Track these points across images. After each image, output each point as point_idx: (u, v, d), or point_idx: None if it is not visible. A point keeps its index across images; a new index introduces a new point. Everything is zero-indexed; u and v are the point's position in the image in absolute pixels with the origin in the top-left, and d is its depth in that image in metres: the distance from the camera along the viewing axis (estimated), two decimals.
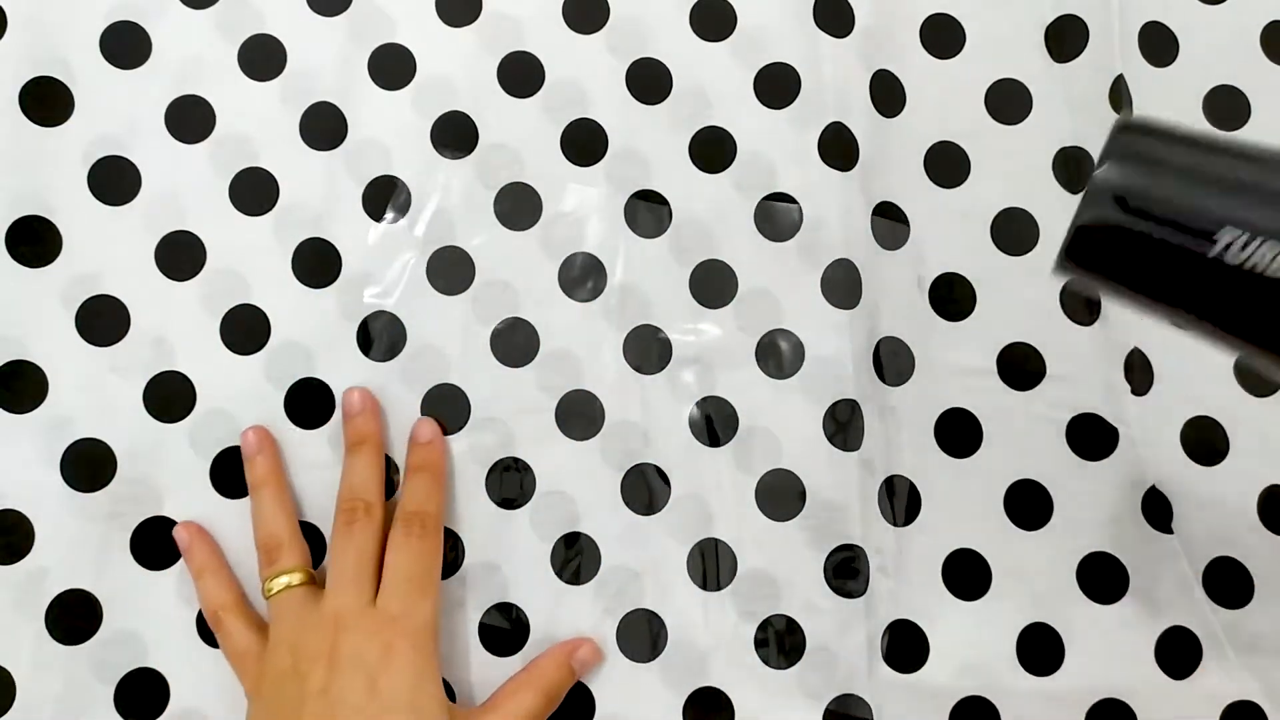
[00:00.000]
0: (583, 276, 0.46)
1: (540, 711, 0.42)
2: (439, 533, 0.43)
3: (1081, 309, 0.47)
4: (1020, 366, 0.47)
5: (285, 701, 0.38)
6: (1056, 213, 0.48)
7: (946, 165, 0.48)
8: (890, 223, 0.47)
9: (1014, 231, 0.48)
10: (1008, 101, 0.49)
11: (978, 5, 0.49)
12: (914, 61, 0.49)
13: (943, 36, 0.49)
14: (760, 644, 0.44)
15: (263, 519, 0.43)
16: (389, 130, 0.46)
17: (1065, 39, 0.49)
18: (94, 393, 0.44)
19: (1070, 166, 0.48)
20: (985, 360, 0.47)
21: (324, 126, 0.46)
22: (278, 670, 0.39)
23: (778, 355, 0.46)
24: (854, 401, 0.46)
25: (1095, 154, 0.47)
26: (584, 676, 0.44)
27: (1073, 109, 0.48)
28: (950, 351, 0.47)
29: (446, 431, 0.45)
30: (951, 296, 0.47)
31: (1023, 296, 0.47)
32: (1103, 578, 0.45)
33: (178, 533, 0.43)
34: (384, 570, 0.41)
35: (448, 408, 0.45)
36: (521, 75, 0.47)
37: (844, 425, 0.46)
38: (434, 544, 0.42)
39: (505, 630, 0.44)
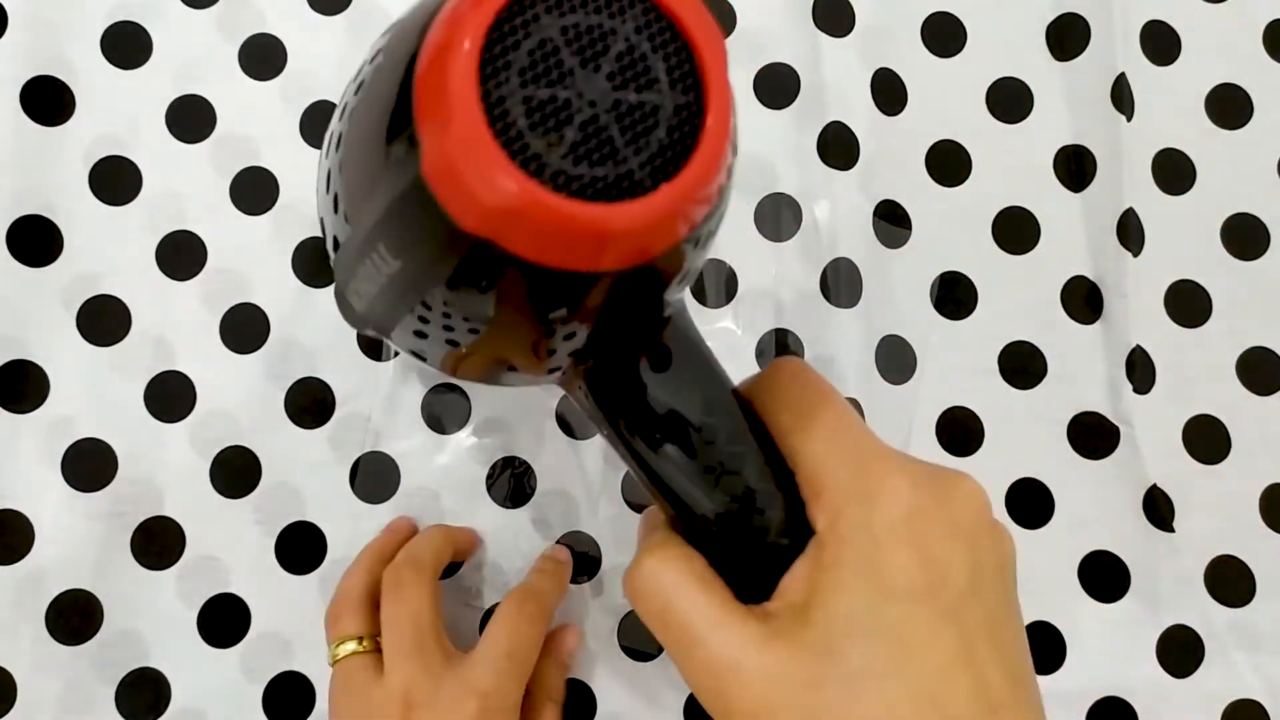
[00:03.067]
0: None
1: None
2: (547, 624, 0.40)
3: (1083, 308, 0.47)
4: (1021, 365, 0.47)
5: None
6: (1058, 211, 0.48)
7: (948, 163, 0.48)
8: (892, 221, 0.47)
9: (1015, 230, 0.48)
10: (1009, 100, 0.49)
11: (979, 3, 0.49)
12: (915, 60, 0.49)
13: (944, 35, 0.49)
14: None
15: (349, 577, 0.41)
16: None
17: (1067, 37, 0.49)
18: (95, 392, 0.44)
19: (1071, 165, 0.48)
20: (986, 359, 0.47)
21: (324, 125, 0.46)
22: None
23: (777, 353, 0.46)
24: (854, 400, 0.46)
25: (1097, 152, 0.48)
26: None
27: (1074, 107, 0.48)
28: (951, 350, 0.47)
29: (447, 430, 0.45)
30: (953, 295, 0.47)
31: (1024, 295, 0.47)
32: (1104, 576, 0.45)
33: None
34: (483, 638, 0.38)
35: (448, 406, 0.45)
36: None
37: None
38: (541, 632, 0.40)
39: None
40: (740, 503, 0.26)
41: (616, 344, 0.27)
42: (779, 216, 0.47)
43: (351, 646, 0.39)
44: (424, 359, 0.29)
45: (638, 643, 0.44)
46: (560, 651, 0.43)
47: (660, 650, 0.44)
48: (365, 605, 0.40)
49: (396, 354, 0.45)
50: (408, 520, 0.44)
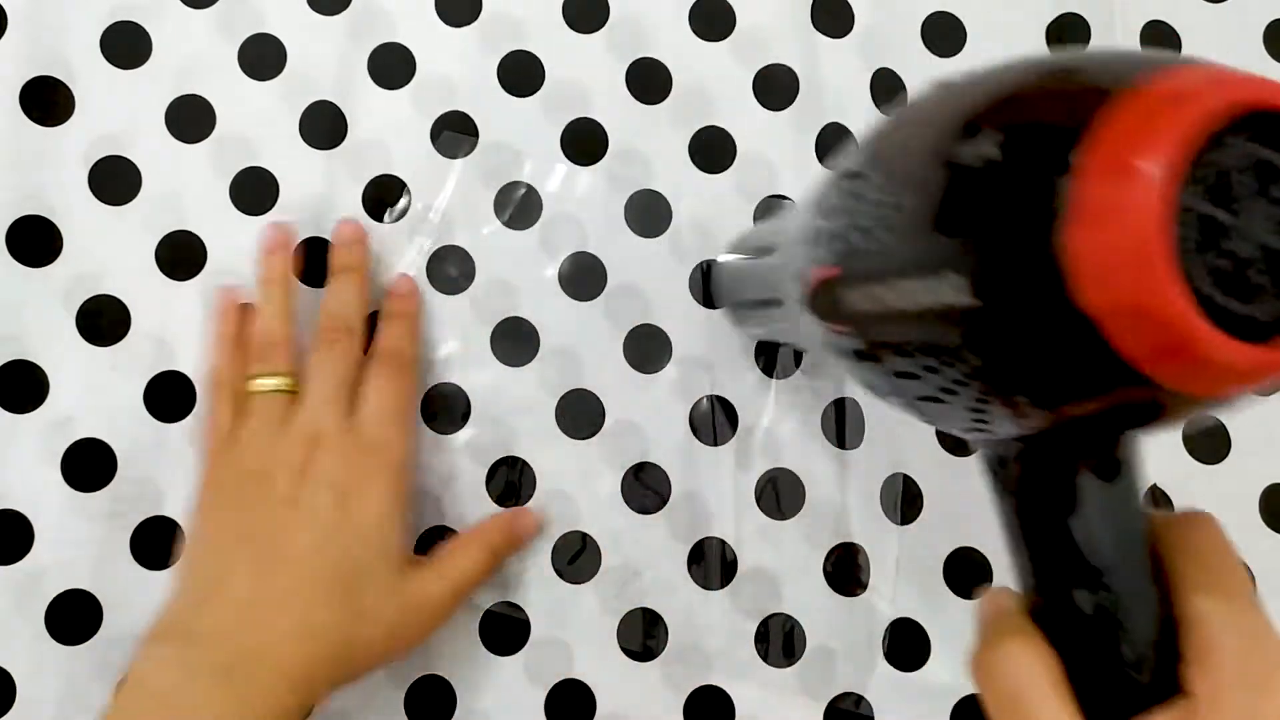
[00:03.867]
0: (583, 275, 0.46)
1: (485, 570, 0.42)
2: (415, 372, 0.43)
3: None
4: None
5: (244, 500, 0.39)
6: None
7: None
8: None
9: None
10: None
11: (980, 3, 0.49)
12: (915, 60, 0.49)
13: (944, 35, 0.49)
14: (760, 642, 0.44)
15: (267, 315, 0.42)
16: (389, 129, 0.46)
17: (1067, 37, 0.49)
18: (94, 392, 0.44)
19: None
20: None
21: (324, 126, 0.46)
22: (242, 467, 0.39)
23: (777, 355, 0.46)
24: (853, 401, 0.46)
25: None
26: (521, 542, 0.44)
27: None
28: None
29: (446, 430, 0.45)
30: None
31: None
32: None
33: (223, 295, 0.44)
34: (360, 401, 0.41)
35: (448, 406, 0.45)
36: (522, 75, 0.47)
37: (843, 424, 0.46)
38: (411, 382, 0.43)
39: (506, 628, 0.44)
40: (1118, 627, 0.26)
41: (1093, 440, 0.26)
42: (778, 217, 0.47)
43: (276, 382, 0.41)
44: (871, 383, 0.29)
45: (637, 643, 0.44)
46: (513, 520, 0.44)
47: (660, 650, 0.44)
48: (293, 347, 0.42)
49: None
50: (280, 231, 0.44)
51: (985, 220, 0.22)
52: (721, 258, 0.45)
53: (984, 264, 0.22)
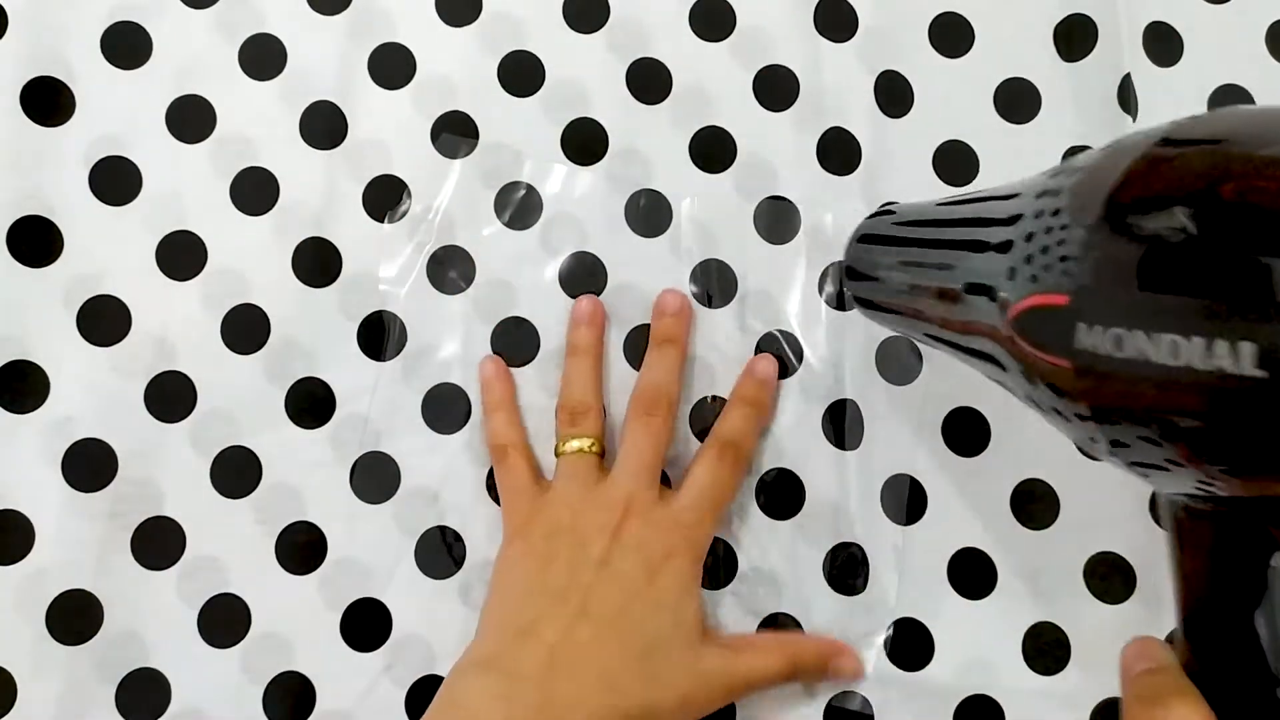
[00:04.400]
0: (583, 276, 0.46)
1: (777, 680, 0.42)
2: (748, 463, 0.44)
3: None
4: None
5: (556, 555, 0.40)
6: None
7: (955, 164, 0.48)
8: None
9: None
10: (1017, 100, 0.48)
11: (986, 5, 0.49)
12: (921, 61, 0.49)
13: (951, 36, 0.49)
14: None
15: (576, 383, 0.44)
16: (389, 129, 0.46)
17: (1074, 38, 0.49)
18: (95, 393, 0.44)
19: None
20: None
21: (324, 126, 0.46)
22: (554, 522, 0.41)
23: (777, 355, 0.46)
24: (853, 401, 0.46)
25: None
26: (830, 683, 0.44)
27: (1081, 108, 0.48)
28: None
29: (446, 431, 0.45)
30: None
31: None
32: (1110, 577, 0.45)
33: (483, 365, 0.45)
34: (685, 479, 0.42)
35: (448, 408, 0.45)
36: (522, 74, 0.47)
37: (842, 425, 0.46)
38: (741, 474, 0.44)
39: None
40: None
41: None
42: (778, 220, 0.47)
43: (585, 444, 0.43)
44: (1058, 416, 0.28)
45: None
46: (835, 654, 0.43)
47: None
48: (602, 414, 0.44)
49: (396, 354, 0.45)
50: (595, 304, 0.45)
51: None
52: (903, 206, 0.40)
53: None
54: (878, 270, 0.38)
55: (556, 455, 0.43)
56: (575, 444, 0.43)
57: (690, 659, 0.40)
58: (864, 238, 0.39)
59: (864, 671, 0.44)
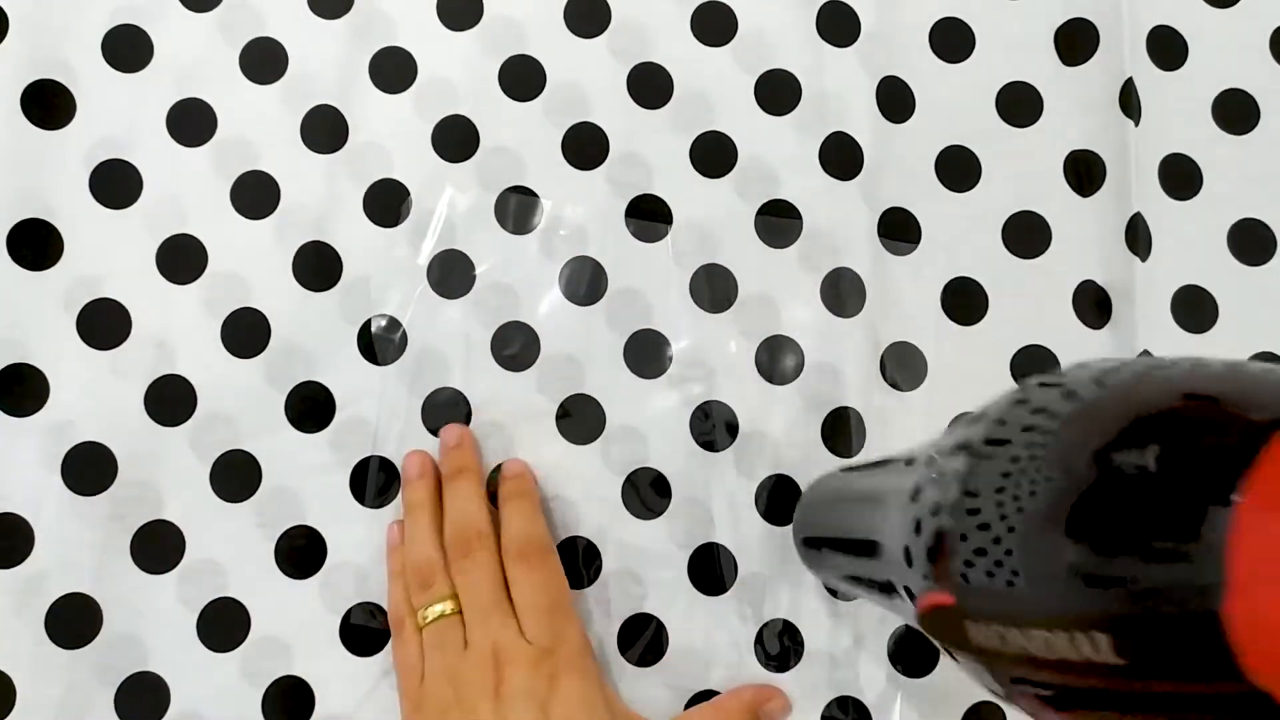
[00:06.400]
0: (583, 280, 0.46)
1: None
2: (554, 554, 0.43)
3: (1093, 312, 0.47)
4: (1033, 370, 0.46)
5: None
6: (1068, 216, 0.48)
7: (957, 169, 0.48)
8: (899, 228, 0.47)
9: (1025, 235, 0.47)
10: (1018, 104, 0.48)
11: (987, 8, 0.49)
12: (923, 66, 0.48)
13: (952, 40, 0.49)
14: (760, 646, 0.44)
15: (420, 542, 0.42)
16: (390, 133, 0.46)
17: (1076, 42, 0.49)
18: (95, 396, 0.44)
19: (1081, 170, 0.48)
20: (998, 364, 0.46)
21: (325, 129, 0.46)
22: (441, 702, 0.39)
23: (777, 361, 0.46)
24: (853, 409, 0.46)
25: (1106, 156, 0.47)
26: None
27: (1083, 112, 0.48)
28: (963, 356, 0.46)
29: None
30: (963, 301, 0.47)
31: (1035, 300, 0.47)
32: None
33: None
34: (516, 605, 0.41)
35: (448, 412, 0.45)
36: (523, 78, 0.47)
37: (842, 432, 0.45)
38: (555, 565, 0.43)
39: None
40: None
41: None
42: (779, 223, 0.47)
43: (444, 608, 0.41)
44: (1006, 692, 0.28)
45: (637, 649, 0.44)
46: (762, 703, 0.43)
47: (661, 655, 0.44)
48: (444, 568, 0.42)
49: (396, 358, 0.45)
50: (423, 457, 0.44)
51: (1138, 571, 0.20)
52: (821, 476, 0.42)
53: (1136, 626, 0.20)
54: (823, 569, 0.41)
55: (420, 626, 0.41)
56: (435, 610, 0.41)
57: None
58: (805, 540, 0.41)
59: (790, 706, 0.44)
